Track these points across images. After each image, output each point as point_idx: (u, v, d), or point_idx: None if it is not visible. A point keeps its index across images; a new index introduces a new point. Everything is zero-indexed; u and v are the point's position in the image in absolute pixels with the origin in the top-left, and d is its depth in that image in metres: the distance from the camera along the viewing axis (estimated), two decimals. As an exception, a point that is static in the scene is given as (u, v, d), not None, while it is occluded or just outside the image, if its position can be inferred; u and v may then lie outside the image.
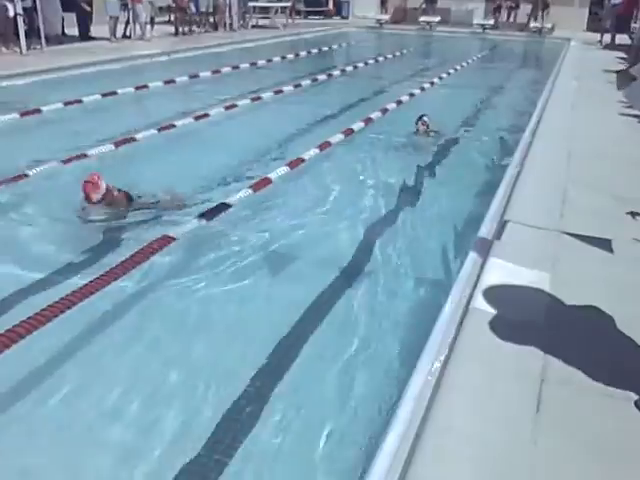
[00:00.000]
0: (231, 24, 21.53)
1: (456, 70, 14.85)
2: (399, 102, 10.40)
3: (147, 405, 3.30)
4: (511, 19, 27.21)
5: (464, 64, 15.90)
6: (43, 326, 3.46)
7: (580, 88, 11.67)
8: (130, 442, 3.08)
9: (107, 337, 3.90)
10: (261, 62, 14.79)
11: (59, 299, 3.74)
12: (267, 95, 10.87)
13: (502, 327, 3.61)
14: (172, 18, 20.14)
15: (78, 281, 4.17)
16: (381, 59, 16.81)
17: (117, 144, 7.44)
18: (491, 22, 26.32)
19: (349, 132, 8.33)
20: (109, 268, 4.26)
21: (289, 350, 3.80)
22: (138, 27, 17.29)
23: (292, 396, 3.44)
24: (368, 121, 9.00)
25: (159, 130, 8.19)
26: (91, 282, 4.07)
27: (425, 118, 8.26)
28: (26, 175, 6.22)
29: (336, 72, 14.13)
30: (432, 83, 12.79)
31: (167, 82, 11.62)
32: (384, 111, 9.69)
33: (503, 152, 7.97)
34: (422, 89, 11.94)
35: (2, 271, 4.56)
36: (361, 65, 15.32)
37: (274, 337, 3.88)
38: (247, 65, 14.30)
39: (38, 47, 14.19)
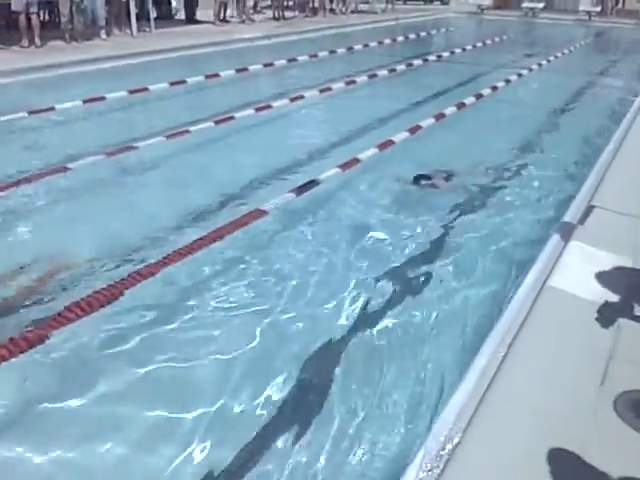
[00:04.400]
0: (331, 9, 21.79)
1: (556, 57, 14.46)
2: (494, 88, 10.32)
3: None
4: (619, 5, 25.94)
5: (565, 51, 15.43)
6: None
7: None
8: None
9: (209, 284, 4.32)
10: (357, 47, 14.95)
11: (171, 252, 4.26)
12: (361, 79, 11.05)
13: (575, 306, 3.70)
14: (272, 2, 20.59)
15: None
16: (479, 45, 16.56)
17: (217, 122, 7.87)
18: (598, 9, 25.21)
19: (441, 117, 8.39)
20: (207, 233, 4.65)
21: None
22: (242, 11, 17.88)
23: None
24: (461, 106, 9.01)
25: (256, 110, 8.56)
26: (192, 243, 4.50)
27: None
28: (134, 147, 6.76)
29: (432, 57, 14.11)
30: (530, 69, 12.54)
31: (266, 65, 12.01)
32: (478, 96, 9.65)
33: (598, 138, 7.82)
34: (519, 75, 11.75)
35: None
36: (458, 51, 15.17)
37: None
38: (344, 50, 14.50)
39: (147, 30, 15.00)
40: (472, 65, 14.20)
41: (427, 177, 6.23)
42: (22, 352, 3.22)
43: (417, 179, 6.20)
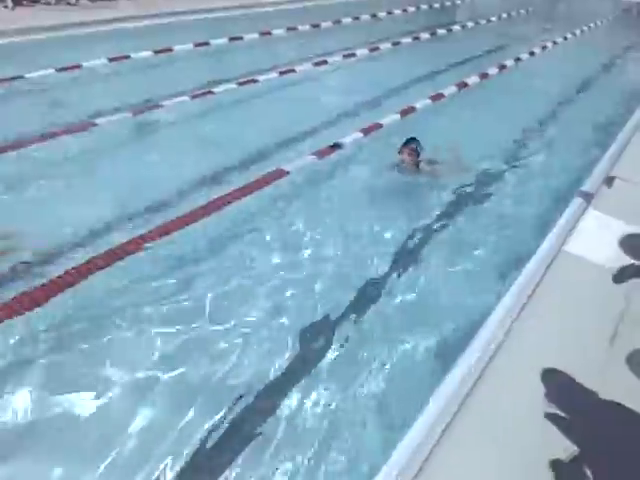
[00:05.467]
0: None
1: (582, 31, 14.26)
2: (518, 59, 10.26)
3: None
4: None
5: (591, 25, 15.21)
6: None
7: None
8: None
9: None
10: (381, 14, 14.83)
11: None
12: (385, 46, 11.02)
13: (590, 271, 3.81)
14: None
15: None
16: (504, 16, 16.36)
17: (240, 84, 7.95)
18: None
19: (463, 85, 8.39)
20: (233, 189, 4.81)
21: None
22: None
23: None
24: (483, 76, 8.99)
25: (280, 74, 8.61)
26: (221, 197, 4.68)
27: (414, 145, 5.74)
28: (160, 105, 6.87)
29: (456, 27, 13.98)
30: (555, 42, 12.41)
31: (290, 29, 11.98)
32: (501, 67, 9.61)
33: (621, 111, 7.81)
34: (543, 48, 11.65)
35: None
36: (483, 22, 15.01)
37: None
38: (367, 17, 14.40)
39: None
40: (496, 36, 14.07)
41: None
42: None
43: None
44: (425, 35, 12.39)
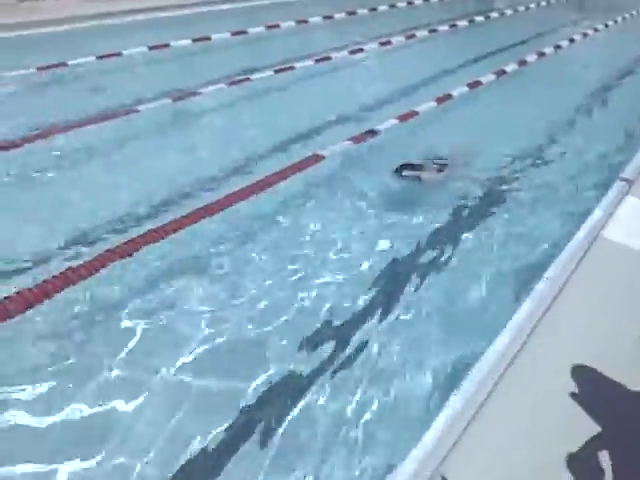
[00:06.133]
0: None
1: (624, 19, 13.95)
2: (557, 47, 10.11)
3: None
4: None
5: (634, 13, 14.86)
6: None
7: None
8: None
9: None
10: (418, 2, 14.74)
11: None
12: (421, 34, 10.96)
13: (626, 256, 3.78)
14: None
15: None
16: (543, 4, 16.10)
17: (277, 71, 8.01)
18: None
19: (501, 73, 8.32)
20: (270, 174, 4.89)
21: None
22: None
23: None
24: (522, 63, 8.90)
25: (316, 61, 8.65)
26: (255, 183, 4.74)
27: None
28: (198, 93, 6.98)
29: (494, 14, 13.81)
30: (596, 29, 12.19)
31: (326, 17, 12.00)
32: (540, 54, 9.50)
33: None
34: (584, 35, 11.45)
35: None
36: (521, 9, 14.81)
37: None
38: (404, 4, 14.33)
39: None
40: (535, 24, 13.87)
41: (414, 167, 5.31)
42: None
43: (402, 169, 5.29)
44: (462, 22, 12.27)
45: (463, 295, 3.72)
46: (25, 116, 6.33)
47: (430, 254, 4.18)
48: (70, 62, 7.89)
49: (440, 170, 5.39)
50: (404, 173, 5.25)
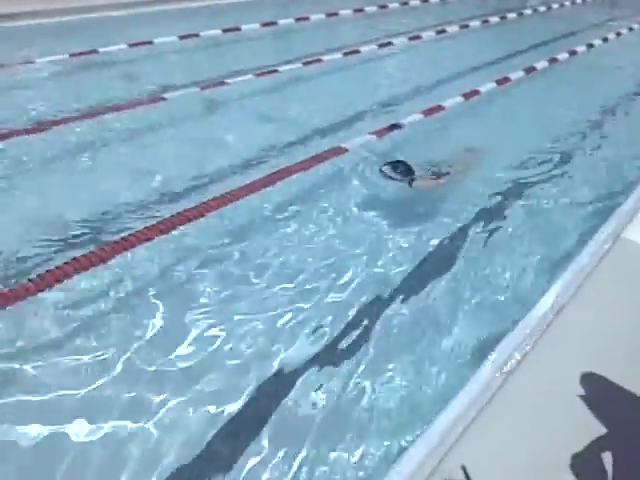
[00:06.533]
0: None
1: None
2: (590, 45, 9.97)
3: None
4: None
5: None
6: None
7: None
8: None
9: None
10: (450, -4, 14.68)
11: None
12: (452, 29, 10.89)
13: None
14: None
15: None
16: (578, 1, 15.86)
17: (305, 63, 8.04)
18: None
19: (530, 70, 8.24)
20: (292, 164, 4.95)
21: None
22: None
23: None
24: (553, 61, 8.80)
25: (344, 54, 8.66)
26: (275, 173, 4.80)
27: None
28: (226, 83, 7.06)
29: (527, 12, 13.64)
30: (630, 29, 11.98)
31: (357, 10, 11.99)
32: (572, 53, 9.38)
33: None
34: (617, 34, 11.27)
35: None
36: (555, 6, 14.61)
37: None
38: (437, 0, 14.25)
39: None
40: (569, 22, 13.69)
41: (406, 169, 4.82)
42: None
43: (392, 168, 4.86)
44: (494, 19, 12.16)
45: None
46: (57, 101, 6.47)
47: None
48: (102, 49, 8.02)
49: (437, 178, 4.92)
50: (392, 174, 4.80)
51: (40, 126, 5.70)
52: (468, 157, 5.49)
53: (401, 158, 4.96)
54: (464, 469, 2.30)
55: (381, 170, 4.89)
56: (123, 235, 3.76)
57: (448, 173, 4.95)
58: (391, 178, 4.83)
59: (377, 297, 3.68)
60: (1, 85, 6.94)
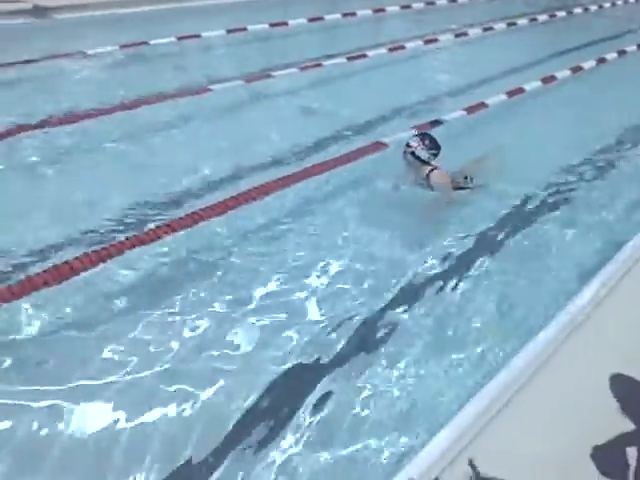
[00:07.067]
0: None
1: None
2: (640, 46, 9.80)
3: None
4: None
5: None
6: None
7: None
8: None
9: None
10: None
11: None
12: (499, 27, 10.81)
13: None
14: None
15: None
16: (632, 0, 15.51)
17: (350, 58, 8.12)
18: None
19: (577, 69, 8.15)
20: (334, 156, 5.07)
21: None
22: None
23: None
24: (601, 61, 8.68)
25: (389, 50, 8.70)
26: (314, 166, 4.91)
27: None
28: (270, 76, 7.20)
29: (577, 10, 13.41)
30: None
31: (403, 7, 11.97)
32: (621, 53, 9.23)
33: None
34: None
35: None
36: (607, 5, 14.34)
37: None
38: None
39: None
40: (621, 21, 13.43)
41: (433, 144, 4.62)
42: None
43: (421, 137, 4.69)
44: (543, 17, 12.02)
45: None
46: (109, 89, 6.68)
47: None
48: (152, 42, 8.22)
49: (459, 188, 4.58)
50: (418, 151, 4.57)
51: (91, 113, 5.93)
52: (487, 165, 5.04)
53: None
54: (471, 463, 2.35)
55: (408, 144, 4.65)
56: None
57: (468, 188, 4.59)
58: (415, 157, 4.61)
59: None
60: (55, 75, 7.18)
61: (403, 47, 8.91)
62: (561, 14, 12.56)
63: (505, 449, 2.45)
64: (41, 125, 5.58)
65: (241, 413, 2.79)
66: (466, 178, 4.52)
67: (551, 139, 6.08)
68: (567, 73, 7.90)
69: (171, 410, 2.78)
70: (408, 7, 12.03)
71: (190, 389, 2.89)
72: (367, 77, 7.92)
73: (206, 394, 2.87)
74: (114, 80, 7.21)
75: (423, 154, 4.59)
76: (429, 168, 4.60)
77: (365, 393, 2.92)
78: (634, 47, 9.61)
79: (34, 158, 5.14)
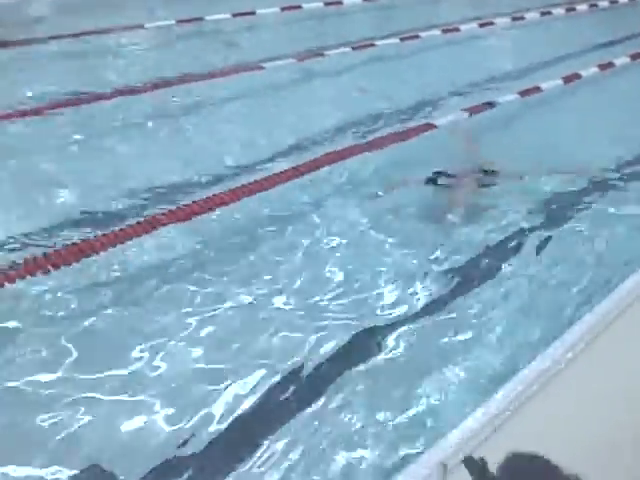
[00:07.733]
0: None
1: None
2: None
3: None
4: None
5: None
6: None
7: None
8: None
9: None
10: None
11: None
12: (557, 11, 10.54)
13: None
14: None
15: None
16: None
17: (403, 39, 8.08)
18: None
19: (638, 56, 7.91)
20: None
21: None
22: None
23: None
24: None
25: (443, 32, 8.61)
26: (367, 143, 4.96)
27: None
28: (322, 54, 7.22)
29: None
30: None
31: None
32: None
33: None
34: None
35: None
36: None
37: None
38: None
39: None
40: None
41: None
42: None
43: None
44: (604, 3, 11.67)
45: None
46: (163, 64, 6.83)
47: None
48: (207, 17, 8.33)
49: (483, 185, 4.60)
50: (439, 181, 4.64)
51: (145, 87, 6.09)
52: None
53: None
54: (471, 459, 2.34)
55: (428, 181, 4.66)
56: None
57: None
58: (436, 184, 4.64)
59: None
60: (113, 47, 7.37)
61: (458, 29, 8.81)
62: (623, 0, 12.18)
63: (543, 431, 2.45)
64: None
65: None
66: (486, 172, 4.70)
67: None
68: (626, 60, 7.68)
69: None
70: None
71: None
72: (421, 58, 7.86)
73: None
74: (168, 54, 7.36)
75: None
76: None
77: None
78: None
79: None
